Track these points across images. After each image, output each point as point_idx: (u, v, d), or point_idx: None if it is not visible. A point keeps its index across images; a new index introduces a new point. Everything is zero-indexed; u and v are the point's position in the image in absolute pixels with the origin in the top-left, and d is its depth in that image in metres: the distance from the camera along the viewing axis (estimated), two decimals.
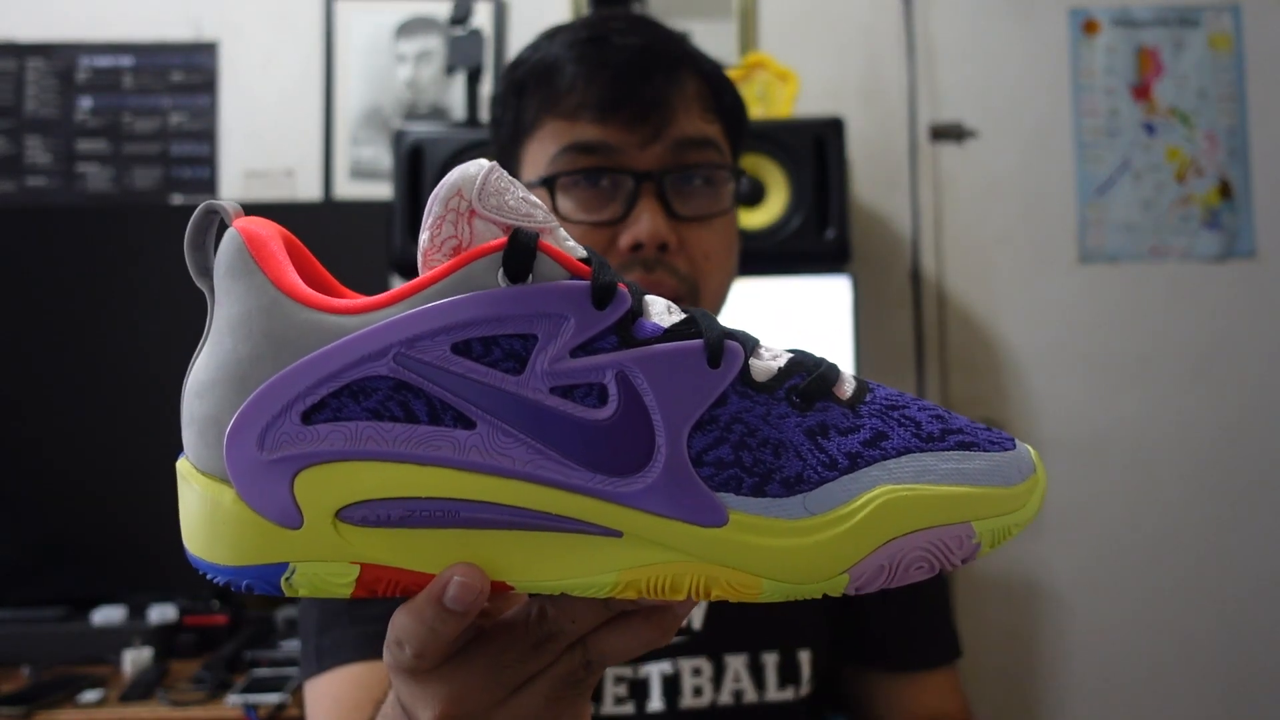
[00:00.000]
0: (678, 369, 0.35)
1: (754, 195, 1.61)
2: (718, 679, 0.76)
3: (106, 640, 1.55)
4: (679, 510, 0.35)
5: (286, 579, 0.35)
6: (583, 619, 0.37)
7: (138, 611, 1.61)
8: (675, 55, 0.74)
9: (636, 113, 0.71)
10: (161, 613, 1.60)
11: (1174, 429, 1.92)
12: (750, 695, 0.76)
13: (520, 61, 0.77)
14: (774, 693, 0.76)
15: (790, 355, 0.38)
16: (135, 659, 1.50)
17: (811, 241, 1.57)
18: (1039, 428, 1.92)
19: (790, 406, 0.36)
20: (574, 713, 0.41)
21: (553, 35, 0.76)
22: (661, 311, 0.37)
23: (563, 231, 0.37)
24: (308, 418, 0.35)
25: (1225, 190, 1.96)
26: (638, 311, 0.36)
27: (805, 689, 0.78)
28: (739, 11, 1.96)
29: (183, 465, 0.37)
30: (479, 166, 0.35)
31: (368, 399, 0.35)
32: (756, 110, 1.72)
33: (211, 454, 0.35)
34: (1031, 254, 1.95)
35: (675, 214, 0.72)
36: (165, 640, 1.57)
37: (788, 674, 0.77)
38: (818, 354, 0.38)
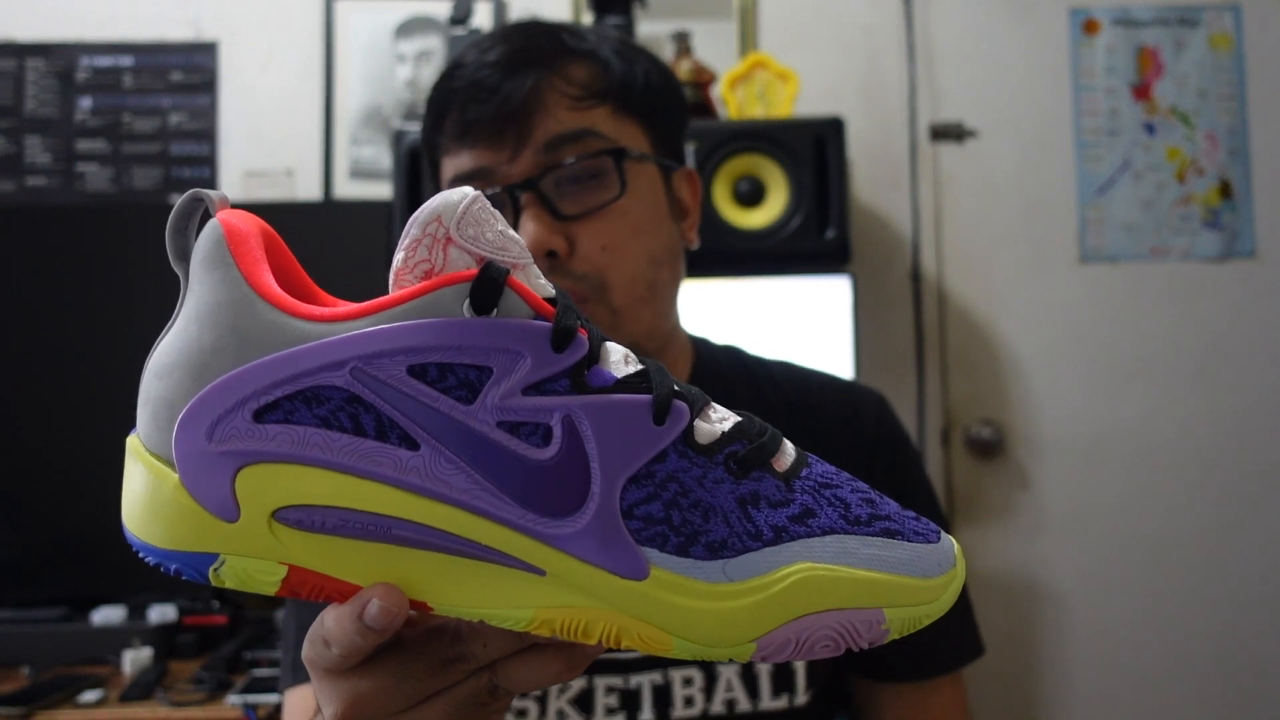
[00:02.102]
0: (622, 421, 0.36)
1: (753, 194, 1.61)
2: (709, 688, 0.74)
3: (106, 640, 1.55)
4: (603, 559, 0.35)
5: (215, 569, 0.36)
6: (494, 645, 0.38)
7: (138, 612, 1.61)
8: (530, 57, 0.72)
9: (494, 129, 0.70)
10: (161, 613, 1.60)
11: (1174, 429, 1.92)
12: (743, 704, 0.75)
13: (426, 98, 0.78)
14: (768, 701, 0.75)
15: (736, 421, 0.38)
16: (135, 659, 1.50)
17: (811, 241, 1.57)
18: (1039, 428, 1.92)
19: (726, 472, 0.36)
20: None
21: (447, 62, 0.78)
22: (618, 361, 0.37)
23: (535, 269, 0.38)
24: (259, 416, 0.35)
25: (1225, 190, 1.96)
26: (594, 358, 0.36)
27: (802, 697, 0.76)
28: (739, 11, 1.96)
29: (133, 442, 0.37)
30: (462, 195, 0.36)
31: (320, 407, 0.35)
32: (756, 110, 1.72)
33: (162, 436, 0.36)
34: (1031, 254, 1.95)
35: (562, 215, 0.71)
36: (165, 640, 1.57)
37: (782, 682, 0.76)
38: (763, 424, 0.38)
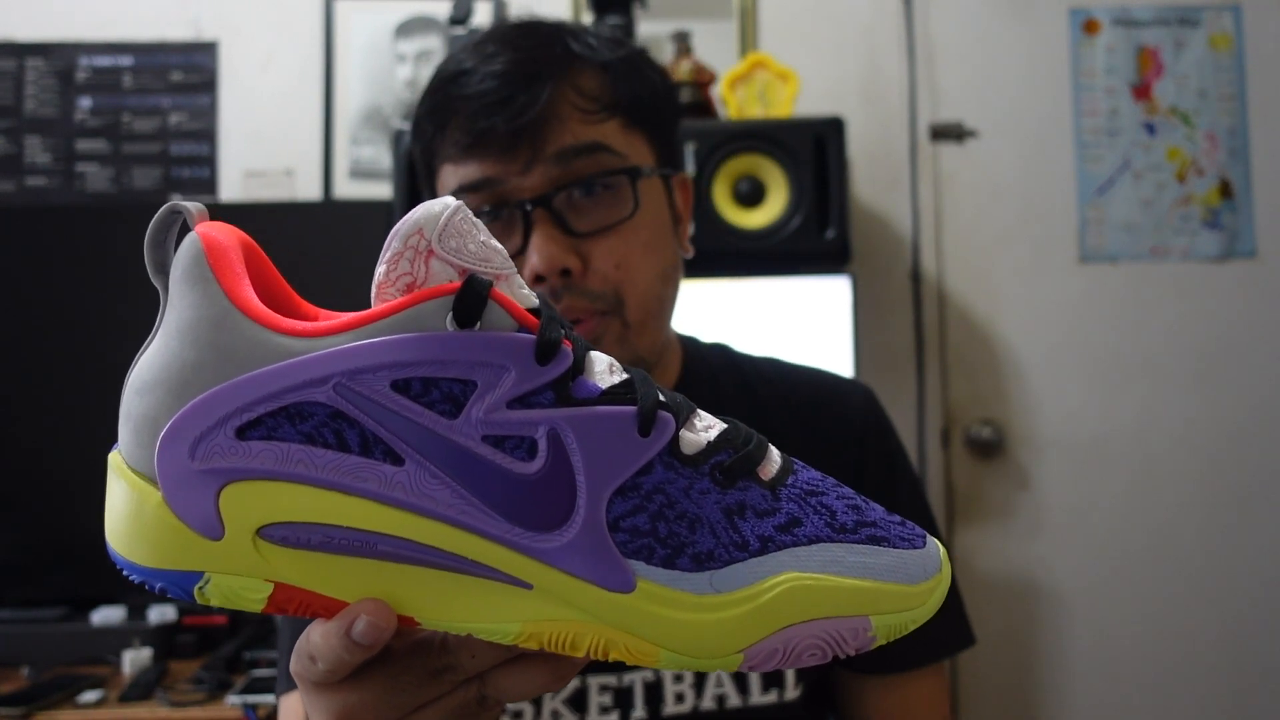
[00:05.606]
0: (608, 434, 0.35)
1: (753, 195, 1.61)
2: (699, 684, 0.75)
3: (106, 640, 1.55)
4: (590, 572, 0.35)
5: (200, 588, 0.36)
6: (482, 656, 0.38)
7: (137, 612, 1.61)
8: (542, 66, 0.71)
9: (506, 140, 0.69)
10: (161, 613, 1.60)
11: (1174, 429, 1.92)
12: (733, 700, 0.75)
13: (420, 101, 0.76)
14: (758, 697, 0.76)
15: (722, 428, 0.38)
16: (135, 659, 1.50)
17: (811, 241, 1.57)
18: (1039, 428, 1.92)
19: (712, 482, 0.36)
20: None
21: (444, 64, 0.76)
22: (603, 371, 0.37)
23: (519, 279, 0.37)
24: (242, 433, 0.35)
25: (1225, 190, 1.96)
26: (579, 369, 0.36)
27: (791, 693, 0.77)
28: (739, 11, 1.96)
29: (114, 459, 0.37)
30: (444, 206, 0.35)
31: (303, 423, 0.35)
32: (756, 110, 1.72)
33: (144, 453, 0.36)
34: (1031, 254, 1.95)
35: (574, 231, 0.70)
36: (165, 640, 1.57)
37: (771, 677, 0.76)
38: (749, 431, 0.38)
